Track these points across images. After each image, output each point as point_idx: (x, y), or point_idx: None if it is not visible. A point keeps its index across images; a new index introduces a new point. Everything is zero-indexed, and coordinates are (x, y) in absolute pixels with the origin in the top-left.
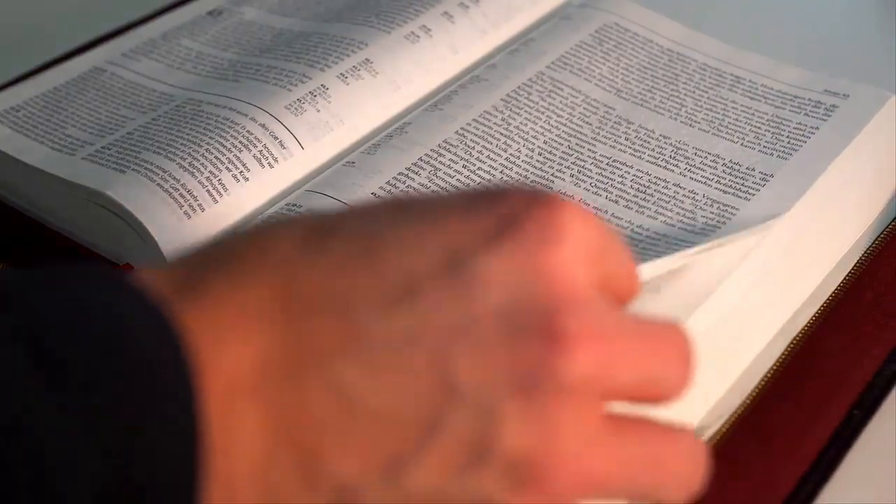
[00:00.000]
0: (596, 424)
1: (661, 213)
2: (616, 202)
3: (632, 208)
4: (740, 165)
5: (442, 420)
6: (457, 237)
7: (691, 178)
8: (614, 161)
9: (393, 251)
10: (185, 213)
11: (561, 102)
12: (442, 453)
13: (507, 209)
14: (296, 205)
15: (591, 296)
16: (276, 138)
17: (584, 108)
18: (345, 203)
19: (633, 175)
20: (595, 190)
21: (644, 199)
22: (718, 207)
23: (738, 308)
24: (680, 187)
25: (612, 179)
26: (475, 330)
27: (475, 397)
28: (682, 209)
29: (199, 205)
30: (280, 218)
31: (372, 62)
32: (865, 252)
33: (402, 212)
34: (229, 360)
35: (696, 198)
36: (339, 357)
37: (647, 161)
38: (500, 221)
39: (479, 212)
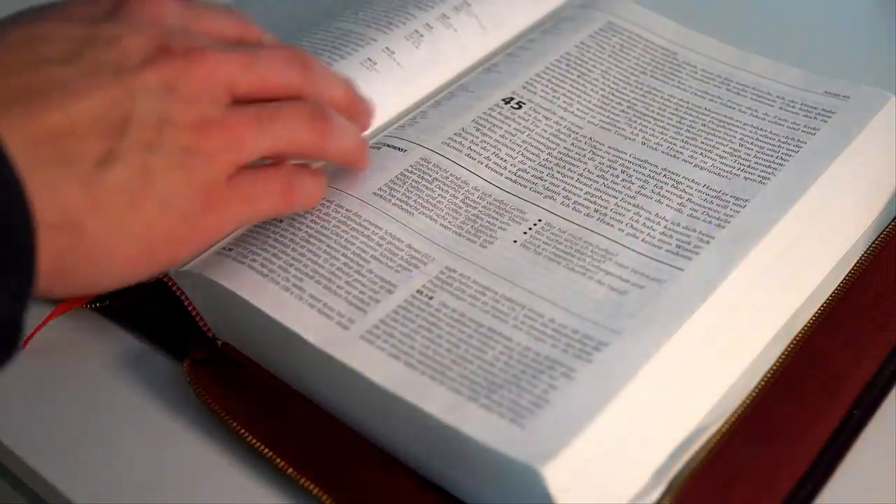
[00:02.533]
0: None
1: (664, 199)
2: (634, 197)
3: (651, 198)
4: (743, 159)
5: (131, 115)
6: (87, 11)
7: (694, 166)
8: (622, 152)
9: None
10: None
11: (564, 100)
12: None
13: None
14: None
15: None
16: None
17: (585, 109)
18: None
19: (639, 164)
20: (605, 179)
21: (655, 189)
22: (719, 203)
23: (738, 308)
24: (687, 179)
25: (614, 169)
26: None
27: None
28: (690, 199)
29: None
30: None
31: (376, 63)
32: (865, 252)
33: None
34: None
35: (694, 190)
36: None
37: (662, 153)
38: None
39: (89, 3)
